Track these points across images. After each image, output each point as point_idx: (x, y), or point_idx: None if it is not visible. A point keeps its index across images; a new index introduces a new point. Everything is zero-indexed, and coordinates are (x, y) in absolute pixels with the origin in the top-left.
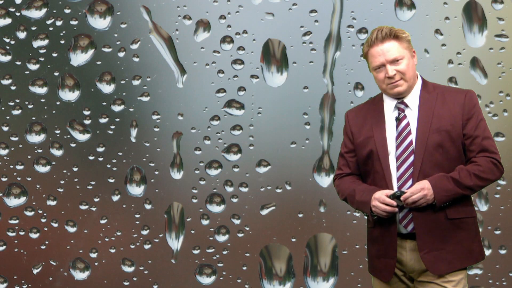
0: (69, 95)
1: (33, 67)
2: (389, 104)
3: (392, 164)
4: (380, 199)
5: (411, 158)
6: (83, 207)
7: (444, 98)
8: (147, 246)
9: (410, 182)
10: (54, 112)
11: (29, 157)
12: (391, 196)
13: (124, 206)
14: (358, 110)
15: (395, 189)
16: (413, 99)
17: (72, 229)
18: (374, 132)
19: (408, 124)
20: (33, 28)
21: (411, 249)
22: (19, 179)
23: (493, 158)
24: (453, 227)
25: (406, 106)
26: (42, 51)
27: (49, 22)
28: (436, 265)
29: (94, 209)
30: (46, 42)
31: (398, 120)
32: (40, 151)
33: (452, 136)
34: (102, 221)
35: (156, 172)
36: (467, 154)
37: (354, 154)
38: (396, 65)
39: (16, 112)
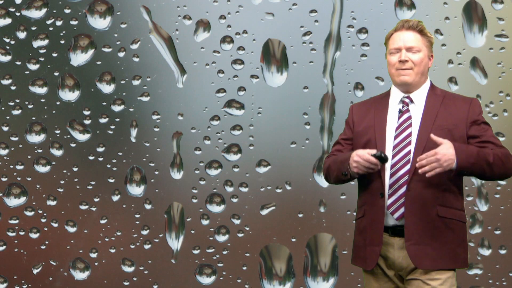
0: (69, 95)
1: (33, 67)
2: (395, 97)
3: (388, 152)
4: (364, 156)
5: (408, 148)
6: (83, 207)
7: (450, 102)
8: (147, 246)
9: (403, 170)
10: (54, 112)
11: (29, 157)
12: (374, 155)
13: (124, 206)
14: (364, 103)
15: (387, 176)
16: (419, 96)
17: (72, 229)
18: (375, 121)
19: (410, 117)
20: (33, 28)
21: (400, 247)
22: (19, 179)
23: (507, 151)
24: (443, 226)
25: (411, 101)
26: (42, 51)
27: (49, 22)
28: (420, 259)
29: (94, 209)
30: (46, 42)
31: (401, 112)
32: (40, 151)
33: (454, 135)
34: (102, 221)
35: (156, 172)
36: None
37: (351, 142)
38: (411, 54)
39: (16, 112)
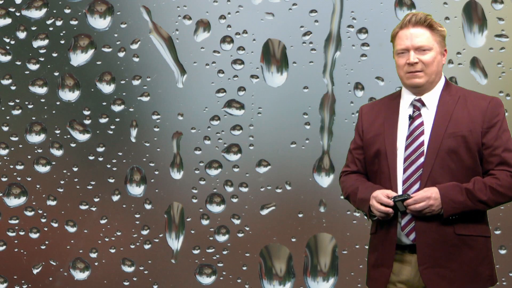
0: (69, 95)
1: (33, 67)
2: (405, 101)
3: (400, 164)
4: (377, 197)
5: (420, 160)
6: (83, 207)
7: (466, 102)
8: (147, 246)
9: (416, 186)
10: (54, 112)
11: (29, 157)
12: (394, 198)
13: (124, 206)
14: (374, 106)
15: (400, 191)
16: (431, 99)
17: (72, 229)
18: (385, 128)
19: (421, 124)
20: (33, 28)
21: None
22: (19, 179)
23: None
24: (461, 244)
25: (423, 104)
26: (42, 51)
27: (49, 22)
28: (436, 284)
29: (94, 209)
30: (46, 42)
31: (412, 119)
32: (40, 151)
33: (468, 143)
34: (102, 221)
35: (156, 172)
36: (485, 166)
37: (362, 151)
38: (421, 54)
39: (16, 112)
